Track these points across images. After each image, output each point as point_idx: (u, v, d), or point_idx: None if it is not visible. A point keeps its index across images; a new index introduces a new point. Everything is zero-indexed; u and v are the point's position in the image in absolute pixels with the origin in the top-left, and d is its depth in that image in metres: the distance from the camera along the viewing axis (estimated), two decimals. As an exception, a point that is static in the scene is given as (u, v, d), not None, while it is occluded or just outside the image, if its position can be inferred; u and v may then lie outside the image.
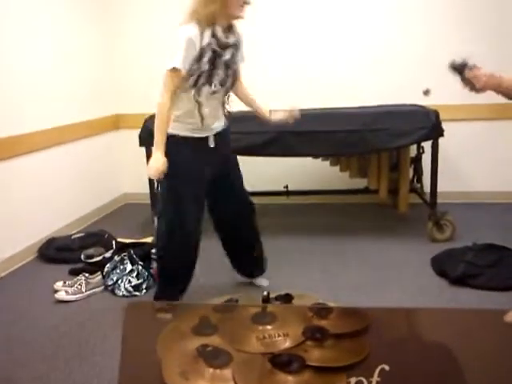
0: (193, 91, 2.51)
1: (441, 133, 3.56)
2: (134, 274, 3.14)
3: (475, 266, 3.03)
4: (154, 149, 2.50)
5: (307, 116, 3.72)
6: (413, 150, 4.06)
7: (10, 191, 3.55)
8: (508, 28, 4.26)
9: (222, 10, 2.42)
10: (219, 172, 2.74)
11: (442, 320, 1.57)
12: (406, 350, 1.49)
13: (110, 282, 3.15)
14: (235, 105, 2.84)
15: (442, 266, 3.15)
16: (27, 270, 3.57)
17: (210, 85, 2.51)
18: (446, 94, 4.21)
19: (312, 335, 1.60)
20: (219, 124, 2.70)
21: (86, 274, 3.14)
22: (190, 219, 2.67)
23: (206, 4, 2.41)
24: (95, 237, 3.88)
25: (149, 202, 4.03)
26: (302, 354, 1.53)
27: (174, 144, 2.54)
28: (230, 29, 2.54)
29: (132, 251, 3.29)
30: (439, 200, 3.71)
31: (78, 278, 3.14)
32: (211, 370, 1.53)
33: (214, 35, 2.44)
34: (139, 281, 3.12)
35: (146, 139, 3.83)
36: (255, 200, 3.00)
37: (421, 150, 4.04)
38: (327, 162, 4.04)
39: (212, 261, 3.39)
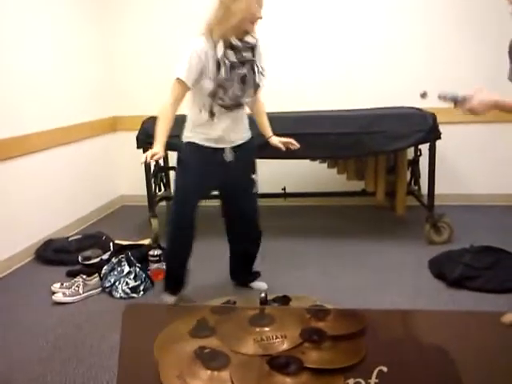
0: (209, 102, 2.57)
1: (438, 135, 3.57)
2: (132, 276, 3.14)
3: (473, 268, 3.03)
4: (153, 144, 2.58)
5: (304, 118, 3.74)
6: (410, 153, 4.07)
7: (7, 193, 3.54)
8: (508, 28, 4.26)
9: (235, 27, 2.48)
10: (230, 187, 2.81)
11: (439, 322, 1.57)
12: (403, 351, 1.50)
13: (107, 284, 3.14)
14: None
15: (440, 269, 3.16)
16: (25, 272, 3.56)
17: (226, 97, 2.56)
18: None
19: (309, 337, 1.60)
20: (238, 137, 2.73)
21: (84, 276, 3.13)
22: (187, 219, 2.75)
23: (220, 21, 2.49)
24: (93, 239, 3.88)
25: (146, 204, 4.03)
26: (300, 356, 1.54)
27: (188, 150, 2.70)
28: (244, 39, 2.56)
29: (129, 253, 3.29)
30: (436, 202, 3.71)
31: (76, 279, 3.14)
32: (209, 372, 1.53)
33: (227, 47, 2.50)
34: (137, 283, 3.12)
35: (144, 141, 3.84)
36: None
37: (418, 153, 4.05)
38: (324, 165, 4.04)
39: (211, 262, 3.39)
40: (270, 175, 4.52)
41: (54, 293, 3.09)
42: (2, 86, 3.50)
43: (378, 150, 3.65)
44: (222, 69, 2.50)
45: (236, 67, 2.54)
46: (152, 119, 3.94)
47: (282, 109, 3.91)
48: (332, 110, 4.01)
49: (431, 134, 3.53)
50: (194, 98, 2.65)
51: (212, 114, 2.60)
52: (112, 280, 3.14)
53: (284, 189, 4.24)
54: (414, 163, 4.10)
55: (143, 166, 3.80)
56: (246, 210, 2.91)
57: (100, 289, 3.16)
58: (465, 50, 4.37)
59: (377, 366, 1.40)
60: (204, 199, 2.84)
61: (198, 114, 2.64)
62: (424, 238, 3.70)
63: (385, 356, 1.45)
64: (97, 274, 3.18)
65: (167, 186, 4.48)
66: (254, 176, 2.86)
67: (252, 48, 2.60)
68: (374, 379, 1.40)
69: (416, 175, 4.12)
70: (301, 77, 4.61)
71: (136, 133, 3.89)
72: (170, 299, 2.89)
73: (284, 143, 2.89)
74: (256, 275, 3.12)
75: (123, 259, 3.23)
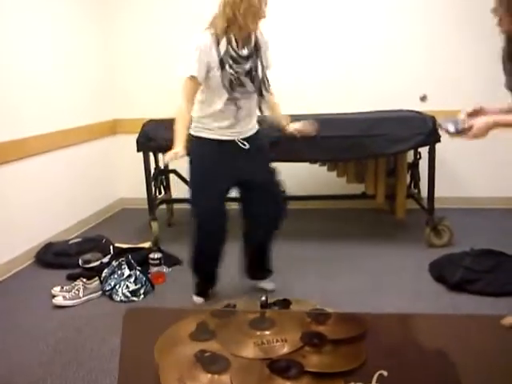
0: (217, 94, 2.62)
1: (438, 138, 3.57)
2: (132, 279, 3.13)
3: (473, 271, 3.03)
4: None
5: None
6: (410, 156, 4.07)
7: (6, 196, 3.54)
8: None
9: (238, 23, 2.51)
10: (247, 176, 2.80)
11: (439, 325, 1.57)
12: (404, 355, 1.49)
13: (107, 287, 3.14)
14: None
15: (440, 272, 3.16)
16: (25, 275, 3.56)
17: (232, 89, 2.60)
18: (443, 99, 4.24)
19: (310, 341, 1.60)
20: (248, 128, 2.77)
21: (84, 279, 3.13)
22: (209, 215, 2.79)
23: (223, 17, 2.53)
24: (93, 242, 3.88)
25: (146, 207, 4.03)
26: (300, 360, 1.53)
27: (197, 145, 2.72)
28: (248, 37, 2.62)
29: (130, 256, 3.29)
30: (436, 205, 3.72)
31: (76, 283, 3.14)
32: (209, 375, 1.53)
33: (229, 43, 2.55)
34: (137, 286, 3.12)
35: (144, 144, 3.84)
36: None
37: (418, 156, 4.06)
38: (324, 168, 4.04)
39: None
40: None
41: (54, 296, 3.09)
42: (1, 89, 3.50)
43: (378, 153, 3.65)
44: (226, 64, 2.55)
45: (240, 62, 2.59)
46: (152, 122, 3.97)
47: (281, 111, 3.91)
48: (332, 113, 4.01)
49: (431, 137, 3.53)
50: (201, 91, 2.68)
51: (221, 107, 2.63)
52: (112, 283, 3.14)
53: (283, 192, 4.23)
54: (414, 166, 4.10)
55: (149, 171, 3.81)
56: (269, 203, 2.88)
57: (100, 292, 3.16)
58: (465, 51, 4.37)
59: (377, 370, 1.40)
60: (227, 195, 2.86)
61: (207, 108, 2.68)
62: (424, 241, 3.70)
63: (385, 360, 1.45)
64: (97, 278, 3.18)
65: (167, 188, 4.48)
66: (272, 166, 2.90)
67: (256, 46, 2.65)
68: (374, 383, 1.40)
69: (416, 178, 4.12)
70: (300, 78, 4.62)
71: (136, 136, 3.89)
72: (198, 300, 2.98)
73: (299, 131, 2.89)
74: (268, 273, 3.12)
75: (123, 262, 3.23)
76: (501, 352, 1.52)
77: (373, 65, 4.52)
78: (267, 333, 1.68)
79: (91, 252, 3.64)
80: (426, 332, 1.55)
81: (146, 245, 3.77)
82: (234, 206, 2.98)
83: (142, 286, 3.13)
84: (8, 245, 3.56)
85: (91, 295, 3.12)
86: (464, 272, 3.02)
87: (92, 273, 3.24)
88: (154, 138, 3.81)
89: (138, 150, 3.88)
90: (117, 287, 3.11)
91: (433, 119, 3.57)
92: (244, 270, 3.12)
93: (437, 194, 3.70)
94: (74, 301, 3.05)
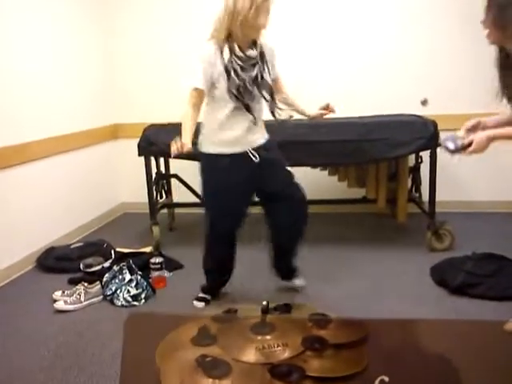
0: (224, 104, 2.63)
1: (439, 143, 3.57)
2: (133, 284, 3.13)
3: (475, 275, 3.02)
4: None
5: (305, 126, 3.74)
6: (411, 160, 4.07)
7: (8, 201, 3.55)
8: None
9: (238, 31, 2.53)
10: (263, 186, 2.84)
11: (441, 331, 1.57)
12: (405, 360, 1.49)
13: (108, 292, 3.14)
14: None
15: (442, 276, 3.15)
16: (26, 280, 3.56)
17: (239, 98, 2.60)
18: (444, 104, 4.25)
19: (311, 345, 1.60)
20: (257, 137, 2.77)
21: (85, 284, 3.13)
22: (222, 230, 2.87)
23: (224, 26, 2.55)
24: (94, 246, 3.87)
25: (147, 211, 4.03)
26: (302, 365, 1.53)
27: (209, 161, 2.75)
28: (253, 44, 2.64)
29: (131, 261, 3.29)
30: (438, 209, 3.71)
31: (77, 287, 3.14)
32: (210, 380, 1.53)
33: (233, 51, 2.57)
34: (138, 291, 3.12)
35: (145, 149, 3.85)
36: (255, 210, 3.01)
37: (419, 160, 4.05)
38: (325, 172, 4.04)
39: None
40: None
41: (55, 301, 3.09)
42: (1, 94, 3.50)
43: (380, 157, 3.65)
44: (231, 71, 2.56)
45: (245, 69, 2.60)
46: (153, 126, 3.98)
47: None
48: (334, 118, 4.01)
49: (432, 141, 3.53)
50: (208, 102, 2.70)
51: (227, 117, 2.64)
52: (113, 288, 3.14)
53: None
54: (415, 170, 4.10)
55: (150, 176, 3.82)
56: (290, 204, 2.89)
57: (101, 297, 3.16)
58: (465, 55, 4.37)
59: (378, 375, 1.40)
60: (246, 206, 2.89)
61: (213, 120, 2.68)
62: (425, 245, 3.70)
63: (386, 365, 1.45)
64: (98, 282, 3.18)
65: (168, 193, 4.48)
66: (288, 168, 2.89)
67: (261, 53, 2.66)
68: (375, 388, 1.40)
69: (417, 182, 4.12)
70: (301, 82, 4.60)
71: (137, 140, 3.89)
72: (198, 304, 3.00)
73: (322, 114, 2.90)
74: (294, 273, 3.15)
75: (124, 267, 3.23)
76: (503, 358, 1.52)
77: (373, 69, 4.53)
78: (268, 337, 1.68)
79: (92, 256, 3.63)
80: (427, 337, 1.55)
81: (147, 249, 3.77)
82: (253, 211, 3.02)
83: (143, 290, 3.13)
84: (9, 249, 3.56)
85: (92, 300, 3.12)
86: (465, 276, 3.02)
87: (93, 277, 3.24)
88: (155, 142, 3.81)
89: (139, 155, 3.88)
90: (118, 292, 3.11)
91: (434, 123, 3.58)
92: (273, 270, 3.15)
93: (438, 198, 3.70)
94: (75, 305, 3.05)
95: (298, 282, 3.15)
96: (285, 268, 3.14)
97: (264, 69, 2.67)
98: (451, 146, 2.20)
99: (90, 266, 3.50)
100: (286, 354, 1.60)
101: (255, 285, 3.22)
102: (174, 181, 4.45)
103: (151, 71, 4.83)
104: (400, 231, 4.15)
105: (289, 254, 3.09)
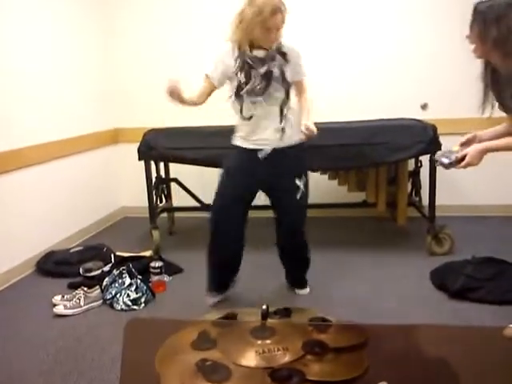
0: (237, 101, 2.74)
1: (438, 147, 3.57)
2: (133, 288, 3.13)
3: (474, 279, 3.02)
4: None
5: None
6: (411, 164, 4.08)
7: (7, 205, 3.54)
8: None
9: (249, 34, 2.63)
10: (269, 189, 2.93)
11: (441, 336, 1.57)
12: (405, 365, 1.49)
13: (108, 296, 3.13)
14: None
15: (442, 280, 3.15)
16: (25, 284, 3.55)
17: (248, 95, 2.70)
18: (444, 108, 4.26)
19: (311, 349, 1.60)
20: (273, 138, 2.79)
21: (85, 288, 3.12)
22: (220, 215, 2.89)
23: (237, 27, 2.67)
24: (94, 250, 3.87)
25: (147, 215, 4.03)
26: (302, 369, 1.53)
27: (231, 151, 2.91)
28: (260, 49, 2.71)
29: (131, 265, 3.29)
30: (437, 213, 3.71)
31: (77, 291, 3.13)
32: (210, 384, 1.53)
33: (243, 50, 2.68)
34: (138, 295, 3.11)
35: (145, 153, 3.85)
36: (255, 213, 3.03)
37: (419, 164, 4.06)
38: (325, 176, 4.04)
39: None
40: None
41: (54, 305, 3.09)
42: (0, 98, 3.50)
43: (380, 162, 3.66)
44: (240, 69, 2.68)
45: (255, 66, 2.68)
46: (153, 131, 3.98)
47: (308, 109, 3.92)
48: (333, 122, 4.02)
49: (432, 145, 3.54)
50: (228, 98, 2.79)
51: (242, 112, 2.76)
52: (113, 292, 3.13)
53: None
54: (415, 174, 4.11)
55: (150, 180, 3.82)
56: (285, 218, 2.97)
57: (101, 301, 3.15)
58: (466, 59, 4.34)
59: (379, 379, 1.40)
60: (247, 204, 2.91)
61: (235, 115, 2.82)
62: (425, 249, 3.70)
63: (386, 370, 1.44)
64: (98, 286, 3.17)
65: (168, 197, 4.48)
66: (298, 182, 2.88)
67: (277, 55, 2.73)
68: (376, 392, 1.40)
69: (417, 186, 4.12)
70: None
71: (137, 144, 3.89)
72: (209, 301, 3.01)
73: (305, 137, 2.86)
74: (301, 284, 3.18)
75: (124, 271, 3.22)
76: (503, 363, 1.51)
77: (374, 73, 4.53)
78: (268, 342, 1.68)
79: (92, 261, 3.63)
80: (428, 342, 1.55)
81: (147, 253, 3.76)
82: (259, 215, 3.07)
83: (142, 294, 3.13)
84: (8, 253, 3.55)
85: (92, 304, 3.11)
86: (465, 280, 3.02)
87: (93, 281, 3.24)
88: (155, 146, 3.82)
89: (140, 159, 3.89)
90: (118, 296, 3.10)
91: (434, 127, 3.58)
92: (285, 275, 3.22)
93: (438, 201, 3.70)
94: (75, 310, 3.04)
95: (300, 291, 3.17)
96: (290, 276, 3.20)
97: (274, 67, 2.70)
98: (445, 160, 2.24)
99: (90, 270, 3.50)
100: (287, 358, 1.60)
101: (255, 289, 3.21)
102: (173, 185, 4.45)
103: (151, 72, 4.82)
104: (400, 235, 4.15)
105: (291, 259, 3.13)
